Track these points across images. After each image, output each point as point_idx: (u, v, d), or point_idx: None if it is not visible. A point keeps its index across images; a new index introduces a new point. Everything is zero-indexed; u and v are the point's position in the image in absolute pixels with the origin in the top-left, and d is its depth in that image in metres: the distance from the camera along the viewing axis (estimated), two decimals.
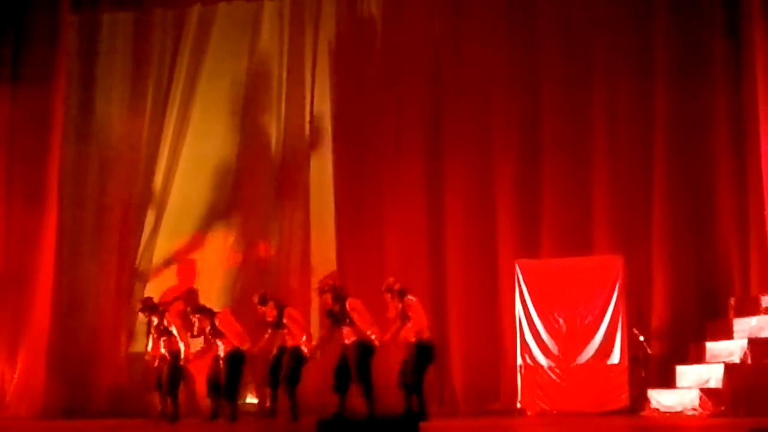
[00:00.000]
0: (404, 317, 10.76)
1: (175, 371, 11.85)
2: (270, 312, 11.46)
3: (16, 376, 13.08)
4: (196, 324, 11.81)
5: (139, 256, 13.77)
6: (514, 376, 12.12)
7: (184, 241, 13.93)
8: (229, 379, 11.56)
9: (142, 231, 13.78)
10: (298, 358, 11.28)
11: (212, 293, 13.28)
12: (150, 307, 12.23)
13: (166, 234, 13.81)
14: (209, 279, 13.64)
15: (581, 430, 10.50)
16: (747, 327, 11.43)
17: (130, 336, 13.57)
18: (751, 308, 11.73)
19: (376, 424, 8.00)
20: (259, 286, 12.46)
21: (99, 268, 13.69)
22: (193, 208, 13.87)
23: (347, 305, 10.87)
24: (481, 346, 12.62)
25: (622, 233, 12.61)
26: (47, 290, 13.26)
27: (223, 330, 11.63)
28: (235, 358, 11.54)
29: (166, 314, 12.06)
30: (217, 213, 13.85)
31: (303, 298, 12.86)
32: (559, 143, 12.96)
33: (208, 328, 11.68)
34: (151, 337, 12.08)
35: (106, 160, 14.03)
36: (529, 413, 11.82)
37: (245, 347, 11.60)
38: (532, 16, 13.26)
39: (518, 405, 11.98)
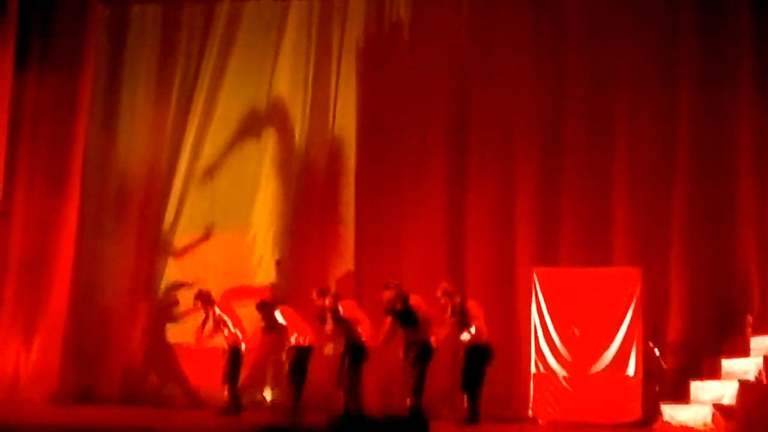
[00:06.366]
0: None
1: (235, 363, 11.93)
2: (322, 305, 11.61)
3: (31, 361, 13.17)
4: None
5: (158, 245, 13.82)
6: (527, 384, 12.12)
7: (203, 233, 13.95)
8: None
9: (162, 220, 13.86)
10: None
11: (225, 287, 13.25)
12: (206, 298, 12.18)
13: (186, 224, 13.85)
14: (224, 272, 13.56)
15: None
16: (764, 345, 11.40)
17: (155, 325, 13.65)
18: None
19: (386, 424, 7.98)
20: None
21: (118, 255, 13.76)
22: (213, 202, 13.89)
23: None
24: (496, 352, 12.56)
25: (640, 245, 12.55)
26: (66, 276, 13.36)
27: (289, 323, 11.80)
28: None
29: (219, 306, 12.11)
30: (237, 207, 13.87)
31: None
32: (581, 153, 12.92)
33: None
34: (204, 329, 12.10)
35: (130, 150, 14.12)
36: (540, 422, 11.81)
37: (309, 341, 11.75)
38: (558, 22, 13.22)
39: (530, 413, 11.97)
